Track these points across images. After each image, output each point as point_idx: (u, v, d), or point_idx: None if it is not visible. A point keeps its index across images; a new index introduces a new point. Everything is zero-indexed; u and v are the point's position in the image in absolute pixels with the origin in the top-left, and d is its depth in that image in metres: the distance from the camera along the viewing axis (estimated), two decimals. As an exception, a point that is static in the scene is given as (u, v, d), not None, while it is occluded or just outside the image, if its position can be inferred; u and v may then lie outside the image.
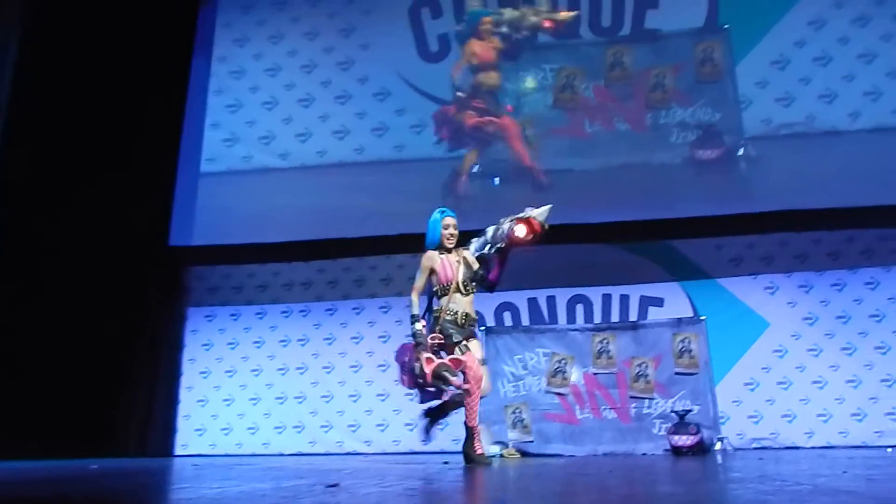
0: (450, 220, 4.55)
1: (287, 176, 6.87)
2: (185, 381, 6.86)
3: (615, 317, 6.41)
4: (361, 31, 7.10)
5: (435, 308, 4.49)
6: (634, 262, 6.41)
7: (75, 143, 6.52)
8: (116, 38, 6.78)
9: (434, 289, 4.50)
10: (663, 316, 6.23)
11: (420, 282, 4.49)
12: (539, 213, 4.31)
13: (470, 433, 4.40)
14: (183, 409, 6.80)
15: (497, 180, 6.62)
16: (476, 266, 4.52)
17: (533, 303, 6.53)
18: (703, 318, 6.06)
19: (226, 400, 6.77)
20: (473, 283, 4.50)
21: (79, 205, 6.45)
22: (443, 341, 4.37)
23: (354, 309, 6.80)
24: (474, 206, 6.24)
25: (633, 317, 6.36)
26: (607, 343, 6.12)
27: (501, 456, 5.78)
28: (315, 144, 6.91)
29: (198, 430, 6.74)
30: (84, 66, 6.64)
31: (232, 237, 6.64)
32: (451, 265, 4.47)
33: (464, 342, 4.39)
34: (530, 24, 6.76)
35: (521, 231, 4.29)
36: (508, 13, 6.79)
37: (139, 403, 6.64)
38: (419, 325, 4.38)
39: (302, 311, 6.88)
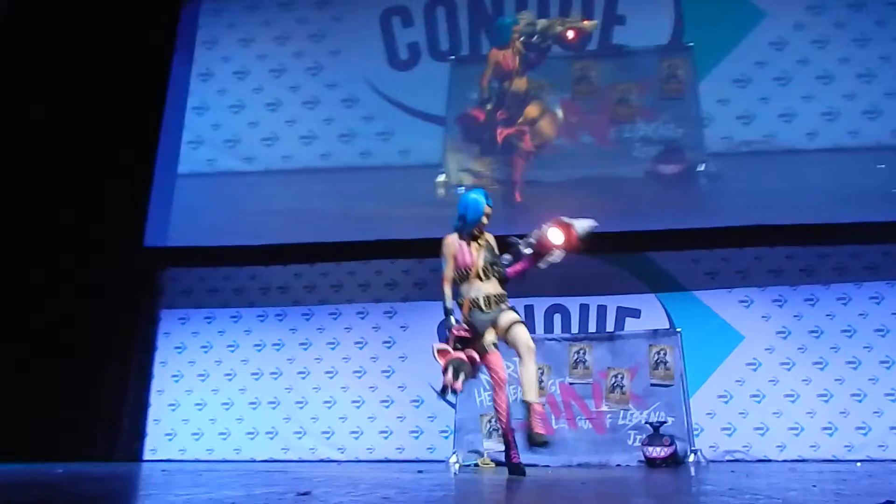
0: (488, 209, 4.34)
1: (255, 180, 6.83)
2: (156, 385, 6.75)
3: (592, 327, 6.43)
4: (332, 37, 7.11)
5: (459, 298, 4.29)
6: (612, 274, 6.45)
7: (51, 141, 6.41)
8: (96, 35, 6.70)
9: (454, 276, 4.32)
10: (640, 327, 6.25)
11: (448, 270, 4.30)
12: (580, 225, 4.21)
13: (505, 440, 4.28)
14: (153, 413, 6.69)
15: (462, 189, 6.62)
16: (497, 251, 4.34)
17: (510, 312, 6.53)
18: (678, 330, 6.08)
19: (197, 404, 6.67)
20: (495, 267, 4.28)
21: (53, 203, 6.34)
22: (468, 335, 4.15)
23: (331, 314, 6.75)
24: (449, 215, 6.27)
25: (610, 327, 6.39)
26: (584, 353, 6.11)
27: (476, 465, 5.75)
28: (281, 149, 6.90)
29: (168, 434, 6.64)
30: (61, 65, 6.55)
31: (208, 239, 6.57)
32: (469, 251, 4.27)
33: (491, 340, 4.15)
34: (555, 34, 6.80)
35: (555, 236, 4.19)
36: (541, 23, 6.83)
37: (107, 406, 6.52)
38: (452, 319, 4.17)
39: (278, 315, 6.82)
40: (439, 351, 4.13)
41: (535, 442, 4.02)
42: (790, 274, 6.36)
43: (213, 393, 6.68)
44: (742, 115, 6.43)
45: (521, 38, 6.80)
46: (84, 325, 6.36)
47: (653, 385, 5.98)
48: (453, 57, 6.94)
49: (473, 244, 4.30)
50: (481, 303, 4.21)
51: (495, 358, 4.19)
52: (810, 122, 6.33)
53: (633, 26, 6.73)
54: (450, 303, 4.23)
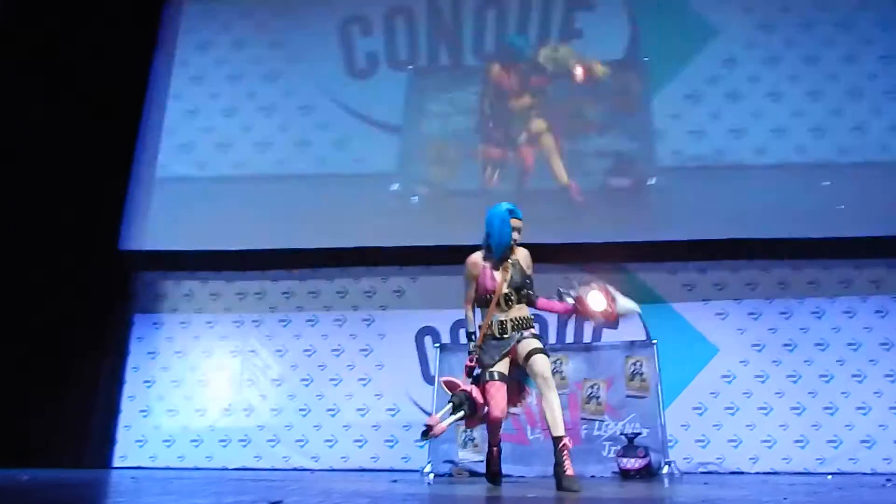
0: (518, 223, 4.05)
1: (203, 185, 6.83)
2: (127, 390, 6.64)
3: (569, 338, 6.44)
4: (290, 44, 7.13)
5: (480, 322, 4.06)
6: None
7: (28, 140, 6.31)
8: (75, 36, 6.63)
9: (476, 298, 4.10)
10: (617, 338, 6.26)
11: (470, 292, 4.08)
12: (623, 304, 4.08)
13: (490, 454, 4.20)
14: (124, 418, 6.57)
15: (416, 198, 6.65)
16: (530, 271, 4.11)
17: (489, 322, 6.52)
18: (654, 341, 6.11)
19: (170, 411, 6.56)
20: (523, 292, 4.02)
21: (27, 204, 6.23)
22: (474, 365, 3.97)
23: (309, 321, 6.69)
24: (396, 223, 6.41)
25: (587, 338, 6.40)
26: (561, 364, 6.11)
27: (451, 475, 5.72)
28: (236, 155, 6.92)
29: (138, 441, 6.52)
30: (39, 63, 6.45)
31: (184, 243, 6.50)
32: (492, 274, 4.00)
33: (498, 370, 3.92)
34: (569, 67, 6.82)
35: (596, 301, 4.00)
36: (563, 51, 6.87)
37: (77, 412, 6.38)
38: (471, 345, 4.01)
39: (255, 321, 6.73)
40: (446, 383, 4.02)
41: (565, 487, 3.67)
42: (765, 287, 6.42)
43: (186, 399, 6.58)
44: (693, 130, 6.59)
45: (541, 59, 6.84)
46: (54, 329, 6.24)
47: (628, 396, 6.00)
48: (411, 67, 6.97)
49: (501, 266, 4.04)
50: (495, 329, 3.98)
51: (494, 390, 3.93)
52: (759, 139, 6.49)
53: (589, 41, 6.87)
54: (472, 327, 4.07)
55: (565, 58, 6.79)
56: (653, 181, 6.45)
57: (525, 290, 4.08)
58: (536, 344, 3.97)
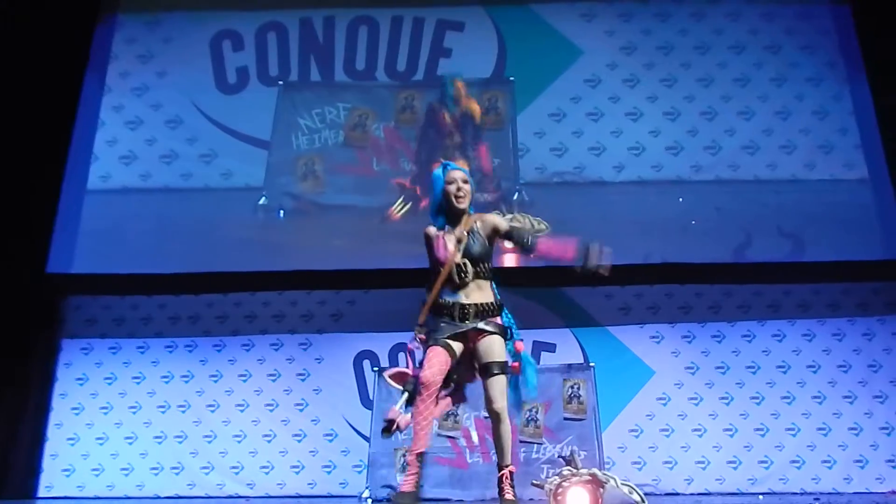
0: (456, 174, 3.63)
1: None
2: (53, 418, 6.38)
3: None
4: (160, 57, 7.09)
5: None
6: (528, 308, 6.48)
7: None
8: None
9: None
10: (555, 361, 6.31)
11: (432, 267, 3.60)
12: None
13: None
14: (50, 447, 6.32)
15: (282, 213, 6.65)
16: (505, 228, 3.62)
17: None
18: (592, 364, 6.17)
19: (99, 438, 6.33)
20: (484, 265, 3.55)
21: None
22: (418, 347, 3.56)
23: (244, 345, 6.55)
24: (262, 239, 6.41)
25: (525, 361, 6.41)
26: (499, 387, 6.12)
27: (388, 500, 5.66)
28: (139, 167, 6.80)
29: (65, 470, 6.27)
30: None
31: (113, 265, 6.31)
32: (445, 242, 3.56)
33: (445, 339, 3.44)
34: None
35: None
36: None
37: (0, 440, 6.13)
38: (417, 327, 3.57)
39: (188, 346, 6.56)
40: (393, 376, 3.62)
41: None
42: (698, 311, 6.55)
43: (116, 426, 6.36)
44: (556, 147, 6.79)
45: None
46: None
47: (566, 419, 6.03)
48: (282, 83, 7.01)
49: (457, 232, 3.59)
50: (455, 313, 3.52)
51: (433, 354, 3.49)
52: (618, 156, 6.74)
53: (458, 59, 7.03)
54: (422, 318, 3.62)
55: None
56: (516, 196, 6.60)
57: (488, 264, 3.61)
58: (497, 354, 3.53)
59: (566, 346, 6.44)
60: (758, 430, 6.20)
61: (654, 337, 6.48)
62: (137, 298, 6.58)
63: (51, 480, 6.26)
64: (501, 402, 3.58)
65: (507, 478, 3.70)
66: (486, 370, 3.57)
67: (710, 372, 6.37)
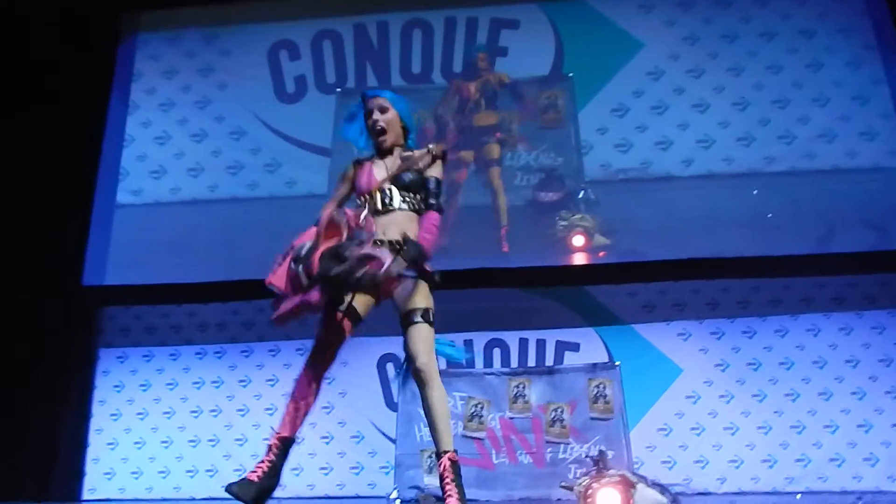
0: (373, 102, 3.24)
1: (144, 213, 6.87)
2: (94, 424, 6.63)
3: (532, 361, 6.39)
4: (219, 71, 7.21)
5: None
6: (550, 307, 6.43)
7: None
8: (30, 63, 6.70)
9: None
10: (579, 361, 6.23)
11: (335, 194, 3.30)
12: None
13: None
14: (92, 451, 6.58)
15: None
16: (436, 173, 3.18)
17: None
18: (617, 363, 6.06)
19: (137, 443, 6.56)
20: (414, 196, 3.11)
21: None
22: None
23: (270, 351, 6.68)
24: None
25: (549, 361, 6.36)
26: (523, 387, 6.07)
27: (417, 501, 5.69)
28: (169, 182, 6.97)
29: (107, 473, 6.52)
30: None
31: (142, 276, 6.52)
32: (372, 169, 3.20)
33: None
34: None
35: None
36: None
37: (44, 446, 6.40)
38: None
39: (217, 352, 6.73)
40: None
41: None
42: (727, 306, 6.36)
43: (153, 431, 6.57)
44: (619, 144, 6.61)
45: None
46: (21, 366, 6.27)
47: (592, 419, 5.95)
48: (339, 90, 7.03)
49: (386, 161, 3.22)
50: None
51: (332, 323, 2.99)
52: (686, 150, 6.53)
53: (514, 58, 6.92)
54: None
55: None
56: (581, 195, 6.49)
57: (420, 196, 3.12)
58: (420, 301, 3.03)
59: (590, 346, 6.35)
60: (794, 427, 6.00)
61: (681, 334, 6.33)
62: (167, 307, 6.79)
63: (94, 483, 6.51)
64: (425, 356, 3.02)
65: (448, 470, 2.92)
66: (409, 321, 3.11)
67: (742, 369, 6.18)
